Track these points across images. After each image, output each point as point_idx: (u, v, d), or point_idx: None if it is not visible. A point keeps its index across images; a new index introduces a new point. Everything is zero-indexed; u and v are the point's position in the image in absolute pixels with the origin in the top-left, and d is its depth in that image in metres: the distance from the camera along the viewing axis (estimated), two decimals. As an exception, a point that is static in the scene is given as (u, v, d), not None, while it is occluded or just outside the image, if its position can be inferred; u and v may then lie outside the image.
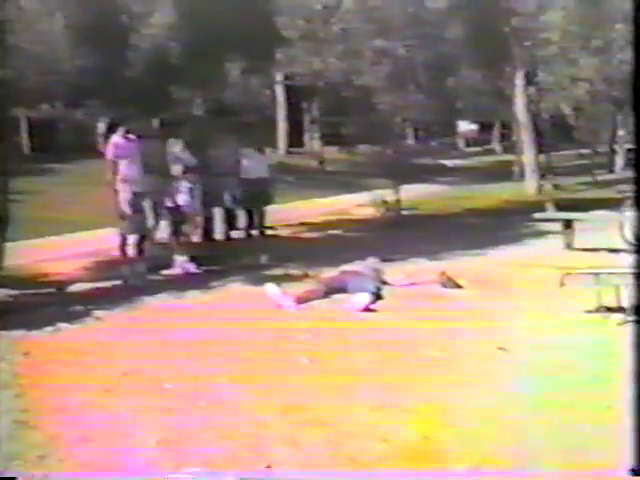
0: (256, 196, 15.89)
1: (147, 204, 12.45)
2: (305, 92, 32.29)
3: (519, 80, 25.01)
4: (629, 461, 4.61)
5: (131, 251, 12.54)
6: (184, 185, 12.95)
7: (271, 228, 16.59)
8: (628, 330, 6.99)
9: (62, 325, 8.65)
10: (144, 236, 12.52)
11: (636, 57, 4.68)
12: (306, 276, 11.03)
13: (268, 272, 11.66)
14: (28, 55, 14.68)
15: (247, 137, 16.89)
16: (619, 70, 18.95)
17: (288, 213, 17.40)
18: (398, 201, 19.31)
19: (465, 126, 48.62)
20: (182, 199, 12.87)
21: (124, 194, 12.34)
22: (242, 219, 16.32)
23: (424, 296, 9.60)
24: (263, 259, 13.04)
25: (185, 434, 5.37)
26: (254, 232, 16.26)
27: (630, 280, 7.24)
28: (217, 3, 15.46)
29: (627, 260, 9.02)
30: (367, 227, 16.97)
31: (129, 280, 11.63)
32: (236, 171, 15.65)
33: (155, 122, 14.00)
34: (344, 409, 5.72)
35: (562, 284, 8.86)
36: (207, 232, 14.97)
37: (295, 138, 37.41)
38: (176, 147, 13.19)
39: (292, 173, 26.31)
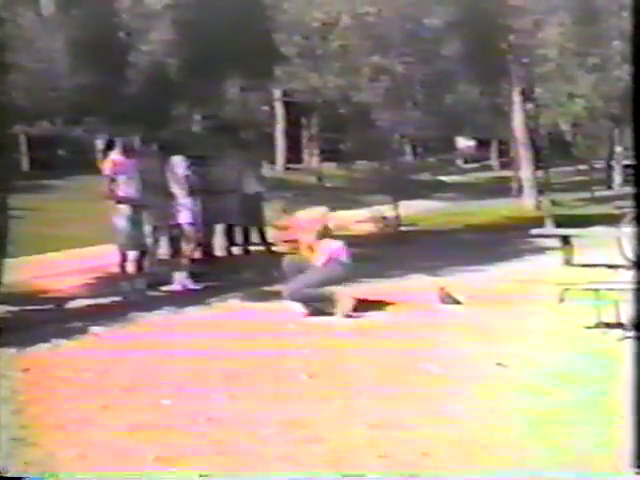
0: (256, 211, 15.94)
1: (146, 221, 12.47)
2: (304, 109, 32.33)
3: (517, 97, 25.08)
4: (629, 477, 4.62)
5: (131, 267, 12.54)
6: (184, 202, 12.95)
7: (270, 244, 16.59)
8: (628, 346, 6.99)
9: (61, 341, 8.65)
10: (144, 252, 12.53)
11: (635, 73, 4.69)
12: None
13: (267, 288, 11.66)
14: (27, 72, 14.71)
15: (246, 153, 16.91)
16: (616, 87, 19.00)
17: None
18: (397, 217, 19.33)
19: (463, 142, 48.69)
20: (182, 216, 12.88)
21: (123, 210, 12.34)
22: (241, 235, 16.34)
23: (423, 312, 9.61)
24: (251, 275, 13.07)
25: (184, 451, 5.36)
26: (253, 248, 16.29)
27: (629, 296, 7.25)
28: (215, 20, 15.49)
29: (626, 276, 9.03)
30: (366, 243, 16.96)
31: (129, 296, 11.64)
32: (237, 188, 15.68)
33: (154, 139, 14.01)
34: (343, 425, 5.72)
35: (561, 300, 8.86)
36: (207, 248, 14.96)
37: (294, 154, 37.47)
38: (177, 164, 13.19)
39: (291, 189, 26.32)
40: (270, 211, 11.31)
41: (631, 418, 4.80)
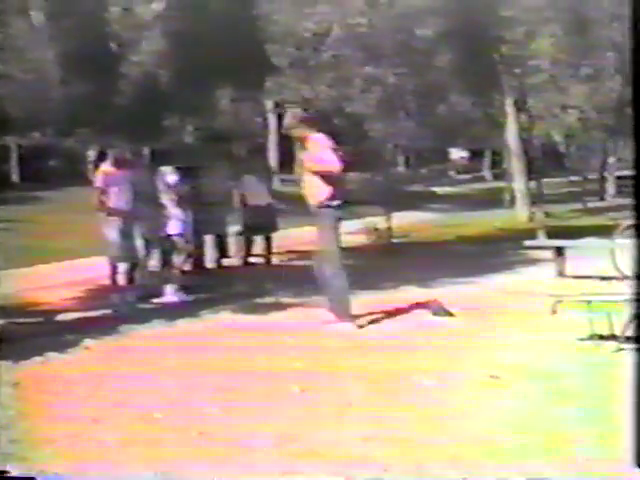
0: (271, 221, 16.08)
1: (137, 233, 12.41)
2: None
3: (509, 107, 25.10)
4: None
5: (121, 280, 12.49)
6: (175, 213, 12.90)
7: (264, 256, 16.57)
8: (622, 358, 6.97)
9: (52, 355, 8.59)
10: (134, 265, 12.47)
11: (634, 83, 4.66)
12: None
13: (259, 300, 11.64)
14: (18, 83, 14.64)
15: (239, 164, 16.94)
16: (609, 98, 19.01)
17: (279, 241, 17.36)
18: (389, 228, 19.29)
19: (456, 153, 48.74)
20: (173, 228, 12.83)
21: (114, 222, 12.29)
22: (233, 247, 16.35)
23: (417, 325, 9.58)
24: (243, 287, 13.05)
25: (176, 465, 5.30)
26: (253, 260, 16.35)
27: (622, 307, 7.23)
28: (207, 30, 15.46)
29: (619, 287, 9.02)
30: (358, 255, 16.93)
31: (120, 309, 11.58)
32: (229, 199, 15.72)
33: (145, 150, 13.97)
34: (337, 439, 5.67)
35: (554, 312, 8.83)
36: (198, 260, 14.92)
37: (286, 165, 37.42)
38: (168, 175, 13.16)
39: (283, 200, 26.27)
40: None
41: (628, 430, 4.77)
